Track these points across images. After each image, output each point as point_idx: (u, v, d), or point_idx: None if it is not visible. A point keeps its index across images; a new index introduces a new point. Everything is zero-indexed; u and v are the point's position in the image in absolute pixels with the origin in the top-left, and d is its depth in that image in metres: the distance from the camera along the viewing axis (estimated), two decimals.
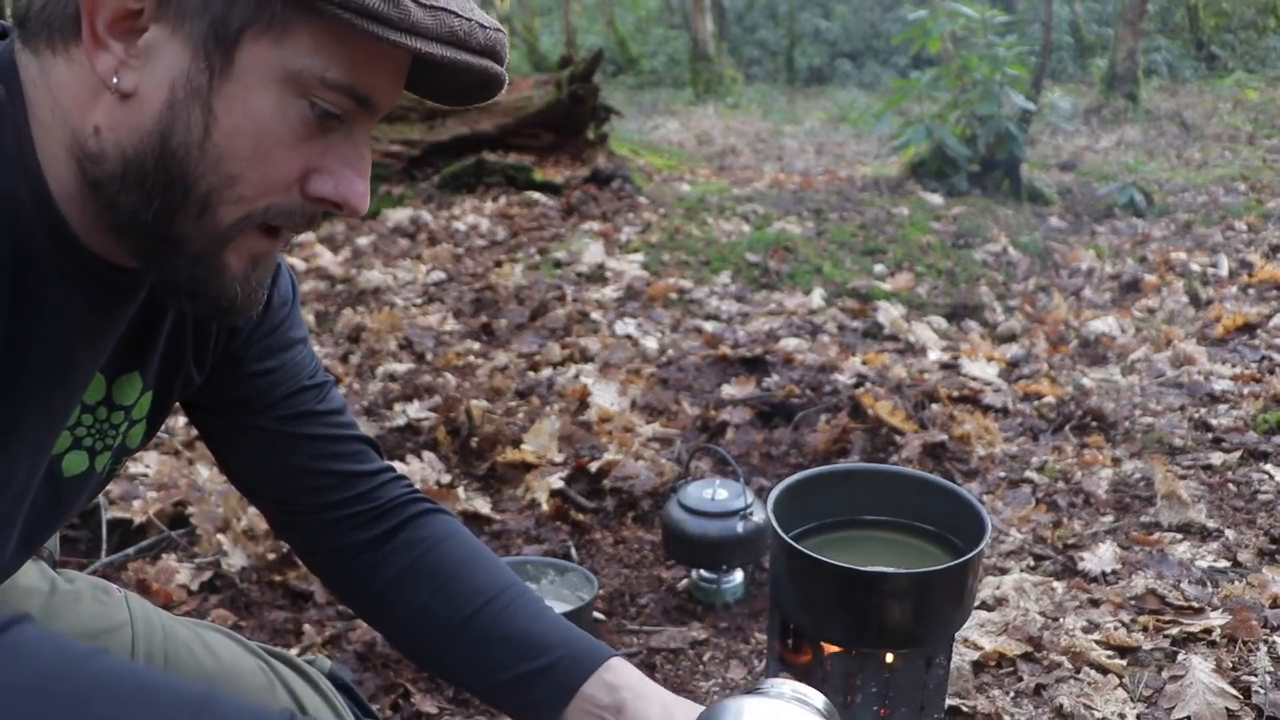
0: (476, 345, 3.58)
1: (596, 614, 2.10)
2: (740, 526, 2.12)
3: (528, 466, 2.67)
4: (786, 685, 0.89)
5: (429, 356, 3.47)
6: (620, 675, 0.96)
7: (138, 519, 2.31)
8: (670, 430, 2.90)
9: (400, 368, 3.34)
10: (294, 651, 1.77)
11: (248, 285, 0.79)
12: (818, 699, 0.88)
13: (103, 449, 0.90)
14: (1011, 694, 1.75)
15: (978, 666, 1.82)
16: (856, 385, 3.05)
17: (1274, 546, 2.17)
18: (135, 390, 0.90)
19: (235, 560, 2.19)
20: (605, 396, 3.05)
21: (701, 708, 0.92)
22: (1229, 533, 2.23)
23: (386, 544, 1.02)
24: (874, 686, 1.42)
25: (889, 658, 1.42)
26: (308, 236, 5.10)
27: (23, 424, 0.78)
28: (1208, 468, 2.55)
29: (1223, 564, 2.12)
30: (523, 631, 0.98)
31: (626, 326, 3.72)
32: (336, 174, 0.76)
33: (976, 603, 1.96)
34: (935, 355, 3.56)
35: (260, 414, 0.98)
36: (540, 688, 0.95)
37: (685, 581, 2.24)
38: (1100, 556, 2.15)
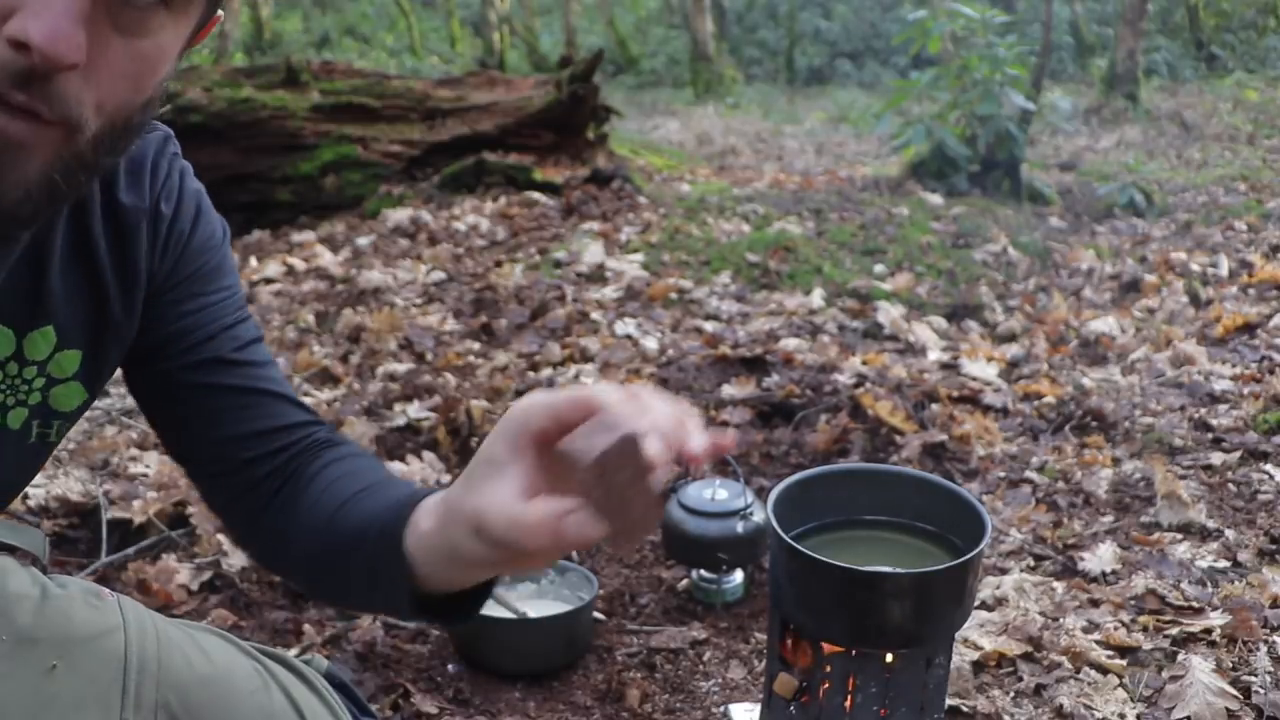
0: (476, 345, 3.58)
1: (596, 614, 2.10)
2: (740, 526, 2.12)
3: None
4: None
5: (429, 356, 3.47)
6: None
7: (138, 519, 2.31)
8: None
9: (400, 368, 3.34)
10: (293, 652, 1.76)
11: None
12: None
13: (15, 404, 0.87)
14: (1011, 694, 1.75)
15: (978, 666, 1.82)
16: (856, 385, 3.05)
17: (1274, 546, 2.17)
18: (48, 344, 0.87)
19: (235, 560, 2.19)
20: None
21: None
22: (1229, 533, 2.23)
23: (289, 493, 0.98)
24: (874, 686, 1.42)
25: (889, 658, 1.42)
26: (307, 235, 5.10)
27: None
28: (1208, 468, 2.55)
29: (1223, 564, 2.12)
30: (381, 497, 0.91)
31: (626, 326, 3.72)
32: (26, 6, 0.64)
33: (976, 603, 1.96)
34: (935, 355, 3.56)
35: (174, 359, 0.94)
36: (380, 527, 0.88)
37: (685, 581, 2.24)
38: (1100, 556, 2.15)
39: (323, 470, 0.98)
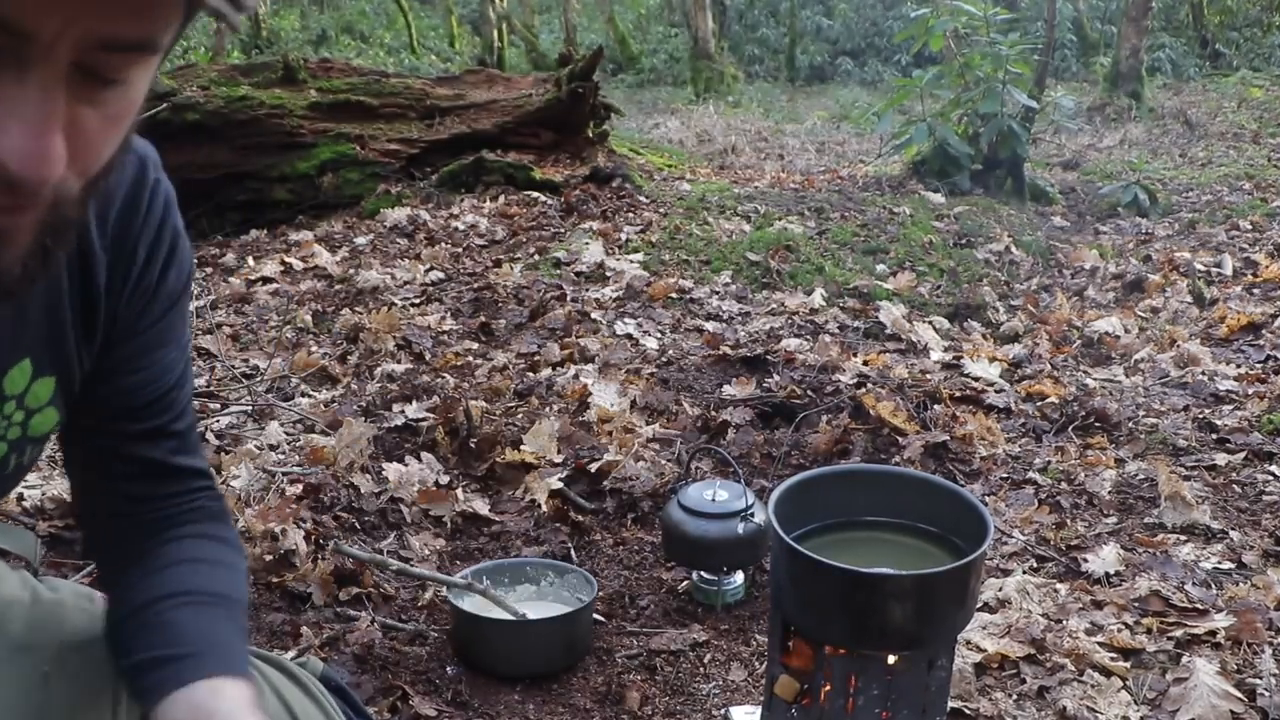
0: (475, 345, 3.56)
1: (596, 616, 2.08)
2: (741, 528, 2.11)
3: (527, 467, 2.66)
4: None
5: (427, 357, 3.46)
6: (228, 696, 0.88)
7: None
8: (670, 431, 2.89)
9: (399, 368, 3.32)
10: (290, 654, 1.75)
11: None
12: None
13: None
14: (1014, 696, 1.74)
15: (980, 669, 1.81)
16: (858, 385, 3.03)
17: (1279, 548, 2.16)
18: (25, 377, 0.86)
19: None
20: (605, 397, 3.03)
21: None
22: (1233, 534, 2.22)
23: (143, 548, 1.00)
24: (876, 689, 1.41)
25: (891, 660, 1.41)
26: (304, 235, 5.08)
27: None
28: (1212, 468, 2.53)
29: (1227, 565, 2.11)
30: (185, 622, 0.93)
31: (626, 326, 3.70)
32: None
33: (979, 604, 1.94)
34: (937, 355, 3.54)
35: (112, 421, 0.95)
36: (153, 674, 0.89)
37: (686, 583, 2.23)
38: (1103, 558, 2.14)
39: (174, 545, 0.99)
